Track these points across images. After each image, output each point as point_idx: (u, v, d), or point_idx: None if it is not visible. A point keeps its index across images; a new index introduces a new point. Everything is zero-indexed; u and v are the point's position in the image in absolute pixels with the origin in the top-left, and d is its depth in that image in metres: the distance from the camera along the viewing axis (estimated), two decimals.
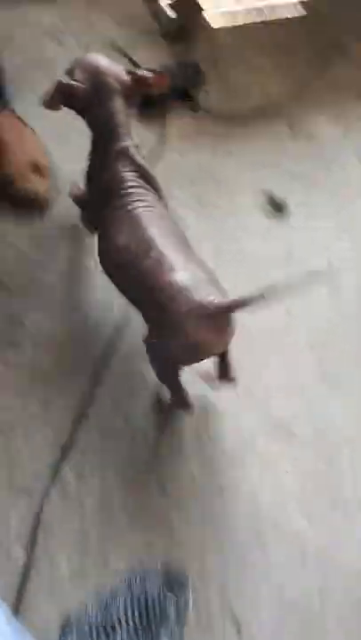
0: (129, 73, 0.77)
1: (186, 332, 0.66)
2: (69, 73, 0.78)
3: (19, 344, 0.88)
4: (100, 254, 0.78)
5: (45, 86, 1.12)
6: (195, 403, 0.80)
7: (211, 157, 1.10)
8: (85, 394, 0.85)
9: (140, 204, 0.74)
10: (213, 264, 0.77)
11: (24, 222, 0.99)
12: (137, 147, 0.79)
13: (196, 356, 0.72)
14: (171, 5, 1.23)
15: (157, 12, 1.28)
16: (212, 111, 1.15)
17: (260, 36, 1.29)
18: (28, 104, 1.10)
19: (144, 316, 0.75)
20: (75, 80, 0.75)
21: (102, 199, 0.77)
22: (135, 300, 0.76)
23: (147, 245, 0.70)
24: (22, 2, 1.28)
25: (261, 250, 1.02)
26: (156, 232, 0.71)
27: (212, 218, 1.03)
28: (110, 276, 0.78)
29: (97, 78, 0.75)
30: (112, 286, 0.80)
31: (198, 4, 1.21)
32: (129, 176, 0.76)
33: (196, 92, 1.16)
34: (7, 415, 0.82)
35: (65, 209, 1.00)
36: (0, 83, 1.00)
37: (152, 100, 1.11)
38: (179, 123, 1.14)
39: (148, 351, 0.75)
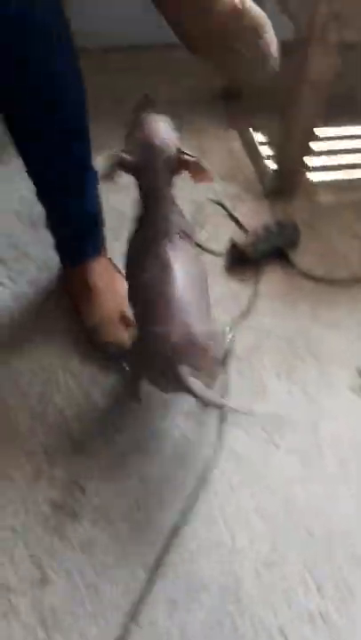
0: (179, 151, 0.77)
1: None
2: (128, 133, 0.81)
3: (76, 515, 0.81)
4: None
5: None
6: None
7: (307, 324, 1.03)
8: (141, 591, 0.74)
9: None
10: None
11: (104, 370, 0.95)
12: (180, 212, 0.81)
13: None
14: (276, 161, 1.25)
15: (261, 171, 1.31)
16: (308, 274, 1.10)
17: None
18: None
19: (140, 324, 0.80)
20: (128, 149, 0.78)
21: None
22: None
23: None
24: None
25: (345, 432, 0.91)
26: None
27: (303, 394, 0.94)
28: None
29: (146, 152, 0.77)
30: (184, 469, 0.73)
31: (304, 162, 1.22)
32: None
33: (293, 252, 1.13)
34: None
35: None
36: (98, 230, 1.03)
37: (247, 257, 1.10)
38: (273, 282, 1.10)
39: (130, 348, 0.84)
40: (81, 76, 0.82)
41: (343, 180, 1.32)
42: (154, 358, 0.73)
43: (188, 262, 0.77)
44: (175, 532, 0.79)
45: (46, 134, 0.84)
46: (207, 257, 1.12)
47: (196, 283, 0.77)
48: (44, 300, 1.06)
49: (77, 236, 0.99)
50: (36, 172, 0.92)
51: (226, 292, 1.07)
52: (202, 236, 1.15)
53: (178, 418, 0.90)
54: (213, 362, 0.80)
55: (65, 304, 1.04)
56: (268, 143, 1.41)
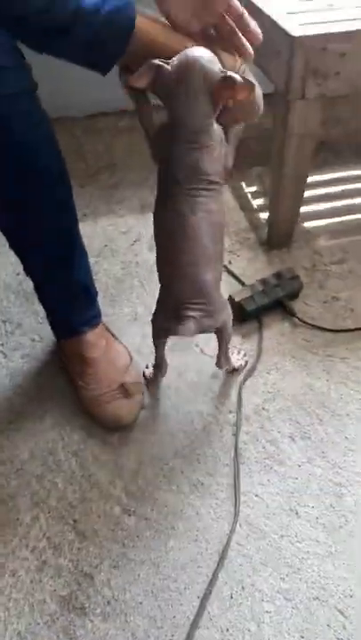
0: (222, 73, 0.67)
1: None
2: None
3: (85, 610, 0.73)
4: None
5: (141, 292, 1.15)
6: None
7: (317, 378, 0.98)
8: None
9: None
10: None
11: (106, 446, 0.90)
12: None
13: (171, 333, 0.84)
14: (270, 212, 1.24)
15: (255, 222, 1.30)
16: (313, 324, 1.06)
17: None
18: (123, 314, 1.11)
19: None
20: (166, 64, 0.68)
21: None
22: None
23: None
24: (124, 212, 1.37)
25: None
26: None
27: (322, 457, 0.88)
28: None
29: (186, 69, 0.66)
30: (199, 548, 0.66)
31: (298, 211, 1.21)
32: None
33: (294, 302, 1.10)
34: None
35: (147, 436, 0.92)
36: (91, 300, 1.00)
37: (247, 313, 1.06)
38: (276, 336, 1.05)
39: (151, 320, 0.86)
40: (57, 145, 0.80)
41: (341, 224, 1.30)
42: (167, 304, 0.80)
43: (207, 218, 0.73)
44: (196, 623, 0.72)
45: (28, 206, 0.82)
46: None
47: (215, 234, 0.75)
48: (40, 373, 1.02)
49: (69, 308, 0.96)
50: (20, 247, 0.89)
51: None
52: None
53: (187, 490, 0.84)
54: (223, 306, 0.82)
55: (62, 377, 1.00)
56: (261, 194, 1.41)
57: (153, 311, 0.84)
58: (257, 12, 1.06)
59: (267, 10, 1.04)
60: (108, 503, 0.84)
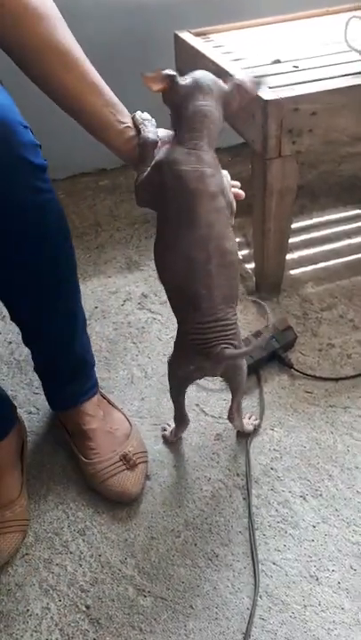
0: (230, 81, 0.75)
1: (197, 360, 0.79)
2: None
3: None
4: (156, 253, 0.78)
5: (135, 354, 1.14)
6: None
7: (322, 431, 0.97)
8: None
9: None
10: None
11: (115, 523, 0.87)
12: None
13: (198, 375, 0.85)
14: (256, 263, 1.25)
15: (243, 274, 1.30)
16: (311, 374, 1.06)
17: (349, 285, 1.27)
18: (120, 377, 1.10)
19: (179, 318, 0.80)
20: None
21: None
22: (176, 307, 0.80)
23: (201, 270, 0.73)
24: (111, 272, 1.38)
25: None
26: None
27: (336, 516, 0.86)
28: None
29: (200, 78, 0.73)
30: (220, 627, 0.60)
31: (283, 260, 1.22)
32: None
33: (290, 353, 1.10)
34: None
35: (156, 503, 0.89)
36: (88, 370, 0.98)
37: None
38: (276, 389, 1.04)
39: (168, 369, 0.86)
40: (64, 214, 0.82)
41: (325, 269, 1.32)
42: (188, 342, 0.78)
43: (214, 245, 0.73)
44: None
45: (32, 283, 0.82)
46: None
47: (224, 265, 0.74)
48: (40, 449, 0.99)
49: (67, 379, 0.95)
50: (21, 319, 0.89)
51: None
52: None
53: (202, 563, 0.81)
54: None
55: (62, 451, 0.98)
56: (245, 244, 1.43)
57: (168, 360, 0.84)
58: (227, 77, 1.11)
59: (236, 74, 1.09)
60: (122, 584, 0.80)
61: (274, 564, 0.80)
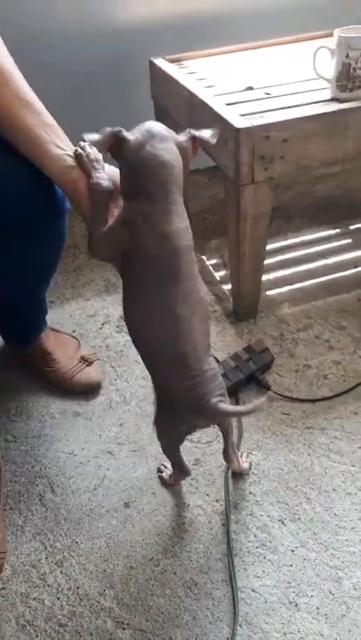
0: (188, 133, 0.71)
1: (192, 418, 0.77)
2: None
3: None
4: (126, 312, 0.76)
5: (114, 377, 1.14)
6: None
7: (300, 453, 0.97)
8: None
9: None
10: None
11: (95, 552, 0.85)
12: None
13: (190, 431, 0.84)
14: (232, 285, 1.27)
15: (220, 296, 1.32)
16: (289, 396, 1.07)
17: (324, 306, 1.28)
18: (97, 402, 1.07)
19: (159, 385, 0.78)
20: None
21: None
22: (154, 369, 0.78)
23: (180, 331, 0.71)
24: (89, 294, 1.38)
25: None
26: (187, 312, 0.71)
27: (315, 540, 0.86)
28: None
29: (151, 129, 0.67)
30: None
31: (259, 282, 1.24)
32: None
33: (267, 374, 1.11)
34: None
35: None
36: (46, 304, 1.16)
37: None
38: (256, 413, 1.05)
39: (155, 429, 0.82)
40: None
41: (301, 290, 1.34)
42: (173, 403, 0.76)
43: (194, 297, 0.72)
44: None
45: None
46: None
47: (203, 316, 0.74)
48: (17, 476, 0.97)
49: (32, 322, 1.14)
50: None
51: (208, 431, 1.01)
52: None
53: (181, 593, 0.80)
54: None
55: (40, 481, 0.96)
56: (222, 266, 1.44)
57: (154, 421, 0.81)
58: (200, 105, 1.13)
59: (209, 102, 1.11)
60: (100, 617, 0.79)
61: (253, 590, 0.80)
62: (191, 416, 0.76)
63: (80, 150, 0.73)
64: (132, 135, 0.68)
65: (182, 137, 0.71)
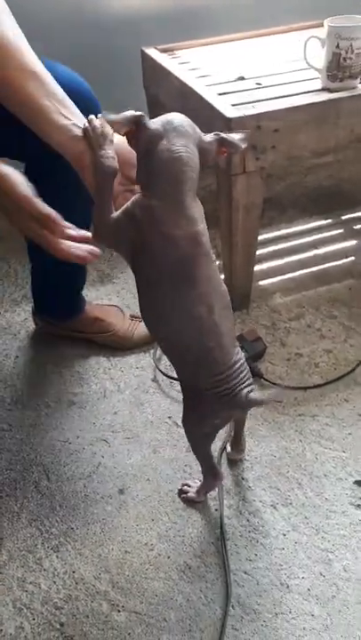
0: (216, 135, 0.65)
1: (222, 411, 0.77)
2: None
3: None
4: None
5: (108, 367, 1.15)
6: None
7: (292, 440, 0.99)
8: None
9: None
10: None
11: (90, 537, 0.87)
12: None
13: (223, 424, 0.84)
14: (225, 275, 1.28)
15: None
16: (280, 385, 1.08)
17: (315, 295, 1.30)
18: (92, 392, 1.08)
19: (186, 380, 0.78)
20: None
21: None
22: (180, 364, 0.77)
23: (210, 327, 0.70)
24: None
25: None
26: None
27: (306, 523, 0.87)
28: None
29: (172, 121, 0.63)
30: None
31: (252, 272, 1.25)
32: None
33: (259, 363, 1.12)
34: None
35: None
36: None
37: None
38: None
39: (184, 429, 0.82)
40: None
41: (293, 280, 1.35)
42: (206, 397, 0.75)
43: (211, 296, 0.69)
44: None
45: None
46: (177, 385, 1.10)
47: (224, 308, 0.72)
48: (12, 464, 0.98)
49: (79, 284, 1.18)
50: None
51: None
52: (161, 364, 1.14)
53: (175, 576, 0.82)
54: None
55: (35, 469, 0.97)
56: (216, 256, 1.45)
57: (184, 421, 0.81)
58: (192, 95, 1.13)
59: (201, 92, 1.11)
60: (96, 600, 0.81)
61: (245, 573, 0.82)
62: (226, 408, 0.76)
63: (88, 124, 0.68)
64: (153, 124, 0.63)
65: (208, 137, 0.66)
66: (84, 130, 0.68)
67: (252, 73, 1.22)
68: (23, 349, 1.21)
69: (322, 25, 1.10)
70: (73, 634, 0.77)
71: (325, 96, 1.08)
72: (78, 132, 0.69)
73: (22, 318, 1.28)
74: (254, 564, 0.83)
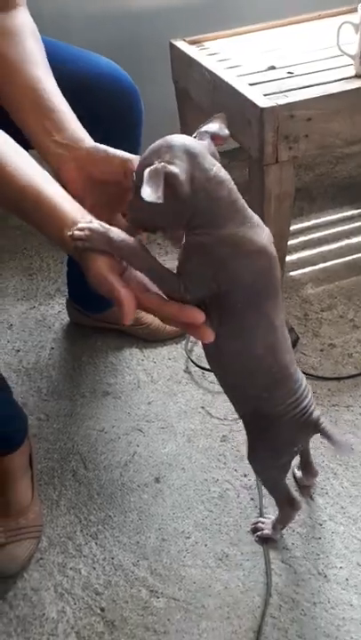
0: (204, 135, 0.59)
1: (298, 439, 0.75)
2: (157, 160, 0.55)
3: None
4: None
5: (141, 358, 1.16)
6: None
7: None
8: None
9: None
10: None
11: (127, 525, 0.89)
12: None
13: (301, 449, 0.84)
14: None
15: None
16: (314, 375, 1.07)
17: (347, 285, 1.29)
18: (126, 382, 1.10)
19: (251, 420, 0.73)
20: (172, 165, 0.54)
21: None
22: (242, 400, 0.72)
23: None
24: None
25: None
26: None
27: (343, 514, 0.87)
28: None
29: (186, 146, 0.55)
30: (232, 626, 0.62)
31: (283, 262, 1.24)
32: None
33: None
34: None
35: None
36: None
37: None
38: None
39: (255, 465, 0.78)
40: None
41: (324, 270, 1.34)
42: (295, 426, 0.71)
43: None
44: None
45: None
46: (210, 376, 1.10)
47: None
48: (50, 453, 1.00)
49: None
50: None
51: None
52: (193, 355, 1.15)
53: (213, 564, 0.83)
54: None
55: (73, 457, 0.99)
56: None
57: (251, 459, 0.76)
58: (223, 87, 1.13)
59: (232, 83, 1.11)
60: (135, 586, 0.82)
61: (283, 562, 0.82)
62: (305, 432, 0.72)
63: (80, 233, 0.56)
64: (174, 167, 0.53)
65: (204, 141, 0.60)
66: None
67: (283, 62, 1.21)
68: (58, 341, 1.23)
69: (355, 10, 1.08)
70: (113, 619, 0.79)
71: (359, 83, 1.06)
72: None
73: (56, 311, 1.30)
74: (291, 552, 0.83)
